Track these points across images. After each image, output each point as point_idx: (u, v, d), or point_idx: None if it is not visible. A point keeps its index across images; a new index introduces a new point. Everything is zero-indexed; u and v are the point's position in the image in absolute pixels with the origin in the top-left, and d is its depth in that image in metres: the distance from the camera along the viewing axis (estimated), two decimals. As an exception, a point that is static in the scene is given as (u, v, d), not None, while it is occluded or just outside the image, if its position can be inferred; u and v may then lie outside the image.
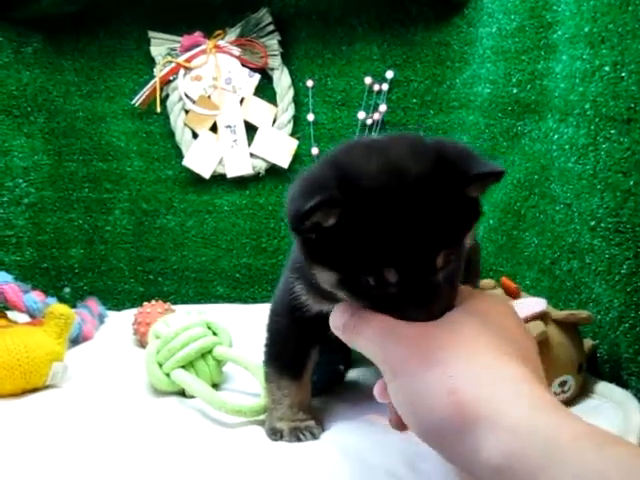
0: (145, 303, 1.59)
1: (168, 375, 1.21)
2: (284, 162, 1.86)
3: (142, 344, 1.51)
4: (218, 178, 1.91)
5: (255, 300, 1.93)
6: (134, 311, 1.59)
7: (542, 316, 1.10)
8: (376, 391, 0.91)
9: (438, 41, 1.78)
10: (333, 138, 1.89)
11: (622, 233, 1.07)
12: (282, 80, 1.84)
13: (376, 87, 1.83)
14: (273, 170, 1.89)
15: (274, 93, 1.87)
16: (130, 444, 1.01)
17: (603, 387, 1.11)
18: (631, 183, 1.04)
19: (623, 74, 1.05)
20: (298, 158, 1.89)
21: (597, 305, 1.15)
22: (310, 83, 1.86)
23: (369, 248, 0.76)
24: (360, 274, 0.78)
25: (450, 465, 0.72)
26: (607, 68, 1.08)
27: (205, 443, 1.02)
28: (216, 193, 1.92)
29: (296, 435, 1.03)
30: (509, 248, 1.52)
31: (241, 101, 1.86)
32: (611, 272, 1.10)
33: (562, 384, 1.09)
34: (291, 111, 1.86)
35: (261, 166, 1.86)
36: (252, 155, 1.87)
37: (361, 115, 1.83)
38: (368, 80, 1.82)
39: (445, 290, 0.79)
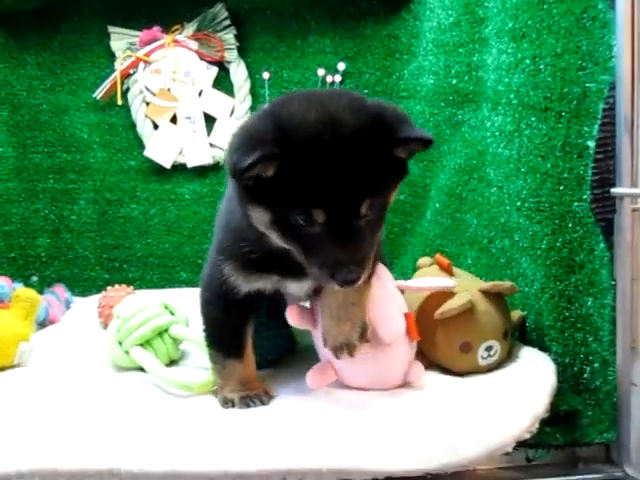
0: (109, 287, 1.66)
1: (127, 352, 1.29)
2: (242, 151, 1.94)
3: (106, 326, 1.58)
4: (179, 168, 1.98)
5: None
6: (99, 296, 1.65)
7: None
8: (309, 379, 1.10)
9: (387, 34, 1.87)
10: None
11: (542, 212, 1.17)
12: (239, 73, 1.92)
13: (329, 78, 1.91)
14: (232, 159, 1.97)
15: (232, 85, 1.95)
16: (93, 414, 1.08)
17: (527, 352, 1.21)
18: (549, 166, 1.14)
19: (541, 66, 1.15)
20: (256, 147, 1.97)
21: (525, 279, 1.25)
22: (266, 75, 1.93)
23: (301, 191, 0.86)
24: (291, 214, 0.88)
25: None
26: (527, 61, 1.18)
27: (163, 411, 1.10)
28: (177, 182, 2.00)
29: (246, 403, 1.11)
30: (453, 230, 1.61)
31: (200, 93, 1.93)
32: (534, 248, 1.20)
33: (488, 349, 1.18)
34: (248, 102, 1.94)
35: (220, 156, 1.93)
36: (211, 145, 1.94)
37: (315, 105, 1.92)
38: (321, 72, 1.91)
39: (367, 235, 0.90)
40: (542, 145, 1.15)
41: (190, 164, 1.94)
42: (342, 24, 1.90)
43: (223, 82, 1.95)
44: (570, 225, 1.10)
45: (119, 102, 1.91)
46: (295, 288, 1.10)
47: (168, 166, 1.95)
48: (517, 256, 1.30)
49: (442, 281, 1.21)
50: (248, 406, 1.11)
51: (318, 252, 0.89)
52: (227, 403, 1.13)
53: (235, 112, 1.93)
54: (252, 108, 1.95)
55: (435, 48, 1.62)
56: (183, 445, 0.95)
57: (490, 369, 1.18)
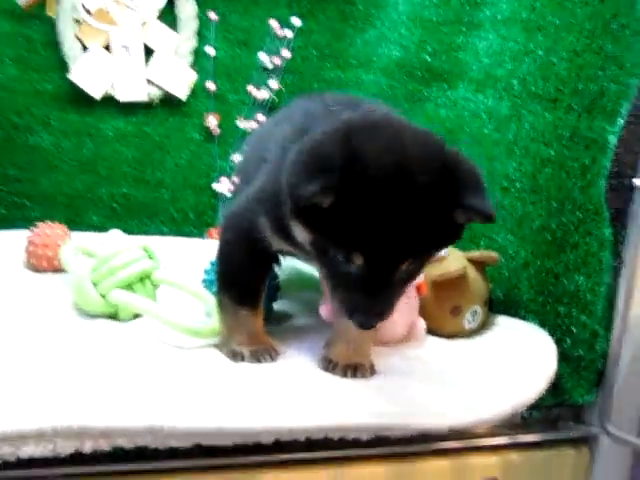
0: (40, 224, 1.46)
1: (104, 296, 1.16)
2: (181, 93, 1.81)
3: (37, 267, 1.40)
4: (105, 100, 1.79)
5: (132, 232, 1.86)
6: (26, 233, 1.45)
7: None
8: (323, 311, 1.13)
9: (344, -2, 1.87)
10: (230, 76, 1.89)
11: (536, 194, 1.27)
12: (187, 8, 1.79)
13: (280, 32, 1.86)
14: (168, 100, 1.83)
15: (177, 21, 1.80)
16: (98, 368, 0.97)
17: (503, 320, 1.32)
18: (552, 153, 1.24)
19: (554, 60, 1.25)
20: (193, 93, 1.85)
21: (503, 254, 1.34)
22: (213, 16, 1.82)
23: (348, 230, 0.83)
24: (331, 247, 0.86)
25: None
26: (540, 52, 1.27)
27: (164, 363, 1.02)
28: (100, 116, 1.81)
29: (256, 357, 1.07)
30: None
31: (143, 23, 1.76)
32: (521, 227, 1.30)
33: (473, 313, 1.27)
34: (193, 42, 1.81)
35: (156, 94, 1.79)
36: (148, 82, 1.79)
37: (262, 57, 1.85)
38: (274, 23, 1.85)
39: (398, 289, 0.89)
40: (547, 132, 1.25)
41: (122, 98, 1.77)
42: (299, -22, 1.86)
43: (169, 16, 1.80)
44: (569, 209, 1.21)
45: (50, 14, 1.68)
46: None
47: (98, 97, 1.76)
48: (490, 233, 1.39)
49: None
50: (259, 361, 1.07)
51: (346, 289, 0.88)
52: (236, 356, 1.08)
53: (179, 50, 1.79)
54: (197, 51, 1.83)
55: (410, 22, 1.65)
56: (219, 402, 0.91)
57: (473, 333, 1.28)
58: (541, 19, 1.26)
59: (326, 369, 1.07)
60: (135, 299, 1.15)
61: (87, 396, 0.87)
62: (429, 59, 1.61)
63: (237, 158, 1.89)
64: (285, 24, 1.86)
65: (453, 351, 1.18)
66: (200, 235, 1.90)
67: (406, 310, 1.19)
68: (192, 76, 1.82)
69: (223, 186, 1.89)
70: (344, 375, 1.05)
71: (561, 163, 1.22)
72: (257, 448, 0.93)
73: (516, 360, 1.13)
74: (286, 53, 1.86)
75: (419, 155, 0.83)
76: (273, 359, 1.09)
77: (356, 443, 0.96)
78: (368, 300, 0.86)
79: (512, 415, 1.04)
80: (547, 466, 1.14)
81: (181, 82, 1.80)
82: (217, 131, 1.87)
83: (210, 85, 1.85)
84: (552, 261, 1.25)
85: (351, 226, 0.82)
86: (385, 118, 0.93)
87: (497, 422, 1.03)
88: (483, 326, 1.31)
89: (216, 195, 1.92)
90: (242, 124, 1.87)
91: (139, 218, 1.88)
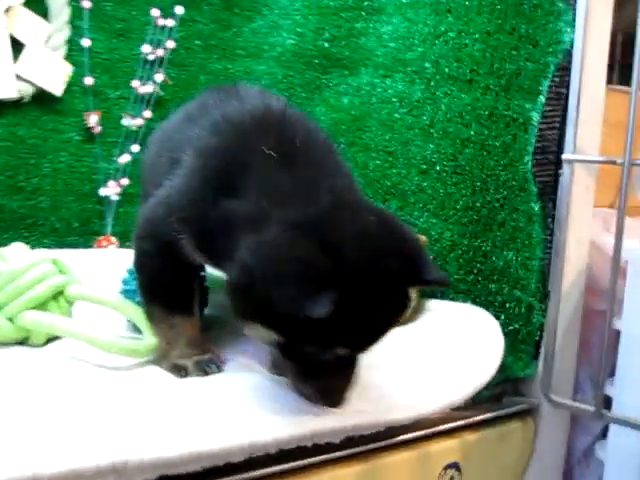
0: None
1: (11, 320, 1.00)
2: (56, 89, 1.63)
3: None
4: (-35, 99, 1.57)
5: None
6: None
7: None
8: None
9: (227, -15, 1.78)
10: (109, 69, 1.73)
11: (459, 175, 1.28)
12: (58, -6, 1.61)
13: (160, 22, 1.73)
14: (41, 97, 1.64)
15: (47, 9, 1.62)
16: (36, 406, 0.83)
17: (434, 304, 1.31)
18: (472, 133, 1.26)
19: (467, 41, 1.26)
20: (69, 89, 1.68)
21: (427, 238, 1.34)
22: (87, 4, 1.66)
23: (335, 330, 0.77)
24: (309, 346, 0.80)
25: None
26: (451, 34, 1.28)
27: (105, 390, 0.89)
28: (-40, 117, 1.59)
29: (202, 369, 0.98)
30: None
31: (7, 10, 1.56)
32: (445, 208, 1.31)
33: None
34: (66, 32, 1.64)
35: (27, 91, 1.60)
36: (17, 77, 1.59)
37: (145, 49, 1.72)
38: (155, 12, 1.72)
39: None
40: (465, 113, 1.26)
41: (-13, 96, 1.56)
42: (179, -36, 1.74)
43: (37, 4, 1.61)
44: (493, 187, 1.23)
45: None
46: None
47: (-43, 95, 1.53)
48: (408, 217, 1.39)
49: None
50: (205, 373, 0.97)
51: (317, 376, 0.84)
52: (180, 371, 0.97)
53: (50, 41, 1.61)
54: (71, 41, 1.65)
55: (305, 9, 1.61)
56: (181, 425, 0.80)
57: (407, 320, 1.26)
58: (451, 1, 1.27)
59: (278, 374, 1.00)
60: (56, 320, 1.00)
61: (27, 439, 0.73)
62: (327, 46, 1.58)
63: (123, 159, 1.74)
64: (166, 13, 1.74)
65: (400, 339, 1.15)
66: (87, 245, 1.73)
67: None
68: (67, 69, 1.65)
69: (111, 190, 1.74)
70: None
71: (482, 142, 1.24)
72: (226, 468, 0.84)
73: (465, 341, 1.13)
74: (170, 44, 1.74)
75: (389, 245, 0.82)
76: (220, 369, 0.99)
77: (325, 448, 0.90)
78: (340, 382, 0.86)
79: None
80: (499, 442, 1.15)
81: (55, 76, 1.62)
82: (98, 130, 1.71)
83: (88, 80, 1.68)
84: (479, 240, 1.26)
85: (338, 325, 0.77)
86: (345, 204, 0.86)
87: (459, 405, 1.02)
88: (416, 312, 1.29)
89: (102, 201, 1.76)
90: (128, 122, 1.72)
91: (15, 230, 1.67)
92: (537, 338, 1.19)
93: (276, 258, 0.78)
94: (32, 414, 0.78)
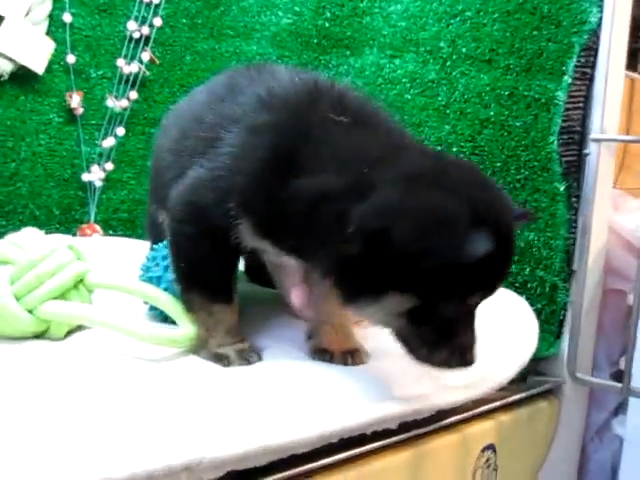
0: None
1: (32, 311, 0.93)
2: (38, 66, 1.53)
3: None
4: (-62, 77, 1.45)
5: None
6: None
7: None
8: (295, 297, 1.01)
9: (214, -39, 1.71)
10: (90, 47, 1.64)
11: (478, 155, 1.27)
12: (39, -35, 1.50)
13: (146, -2, 1.65)
14: (19, 75, 1.53)
15: (26, -21, 1.51)
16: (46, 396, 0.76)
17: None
18: (491, 113, 1.25)
19: (485, 20, 1.25)
20: (49, 66, 1.58)
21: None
22: (68, -23, 1.56)
23: (480, 273, 0.75)
24: (444, 301, 0.77)
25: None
26: (469, 13, 1.26)
27: (153, 382, 0.84)
28: None
29: (244, 358, 0.93)
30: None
31: (-16, -20, 1.45)
32: (462, 189, 1.30)
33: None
34: (48, 6, 1.53)
35: (6, 68, 1.49)
36: (-3, 53, 1.48)
37: (131, 26, 1.63)
38: (140, -13, 1.63)
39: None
40: (484, 94, 1.25)
41: (-37, 74, 1.44)
42: None
43: (16, -27, 1.50)
44: (513, 168, 1.23)
45: None
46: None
47: None
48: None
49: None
50: (248, 362, 0.93)
51: (449, 336, 0.80)
52: (222, 360, 0.92)
53: (31, 14, 1.50)
54: (52, 16, 1.55)
55: (304, -13, 1.56)
56: (245, 419, 0.76)
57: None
58: (469, -20, 1.25)
59: (323, 360, 0.96)
60: (87, 310, 0.93)
61: (92, 442, 0.67)
62: (327, 25, 1.54)
63: (107, 143, 1.65)
64: (152, -11, 1.66)
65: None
66: (69, 234, 1.63)
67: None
68: (50, 46, 1.54)
69: (94, 176, 1.64)
70: (345, 363, 0.96)
71: (502, 123, 1.24)
72: (284, 461, 0.80)
73: (499, 321, 1.11)
74: (157, 21, 1.65)
75: (499, 192, 0.85)
76: (260, 358, 0.95)
77: (376, 435, 0.87)
78: (470, 338, 0.82)
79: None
80: (529, 422, 1.15)
81: (37, 53, 1.52)
82: (80, 111, 1.62)
83: (70, 58, 1.58)
84: (499, 221, 1.26)
85: (480, 269, 0.74)
86: (463, 163, 0.93)
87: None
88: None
89: (85, 187, 1.67)
90: (112, 103, 1.63)
91: (-7, 217, 1.57)
92: (562, 317, 1.19)
93: (418, 212, 0.74)
94: (91, 414, 0.72)
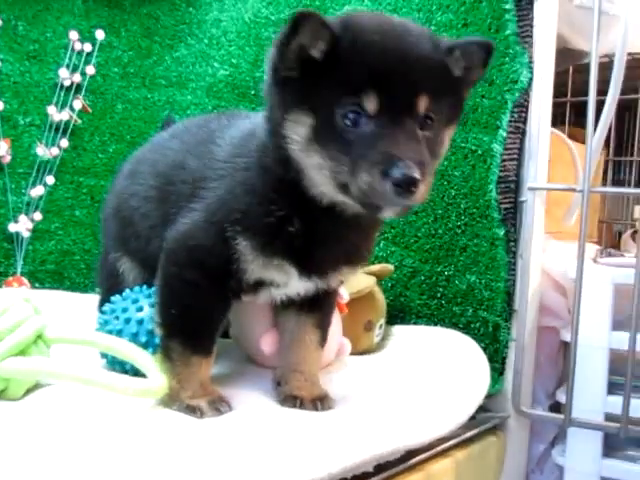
0: None
1: (-9, 369, 0.88)
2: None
3: None
4: None
5: None
6: None
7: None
8: (265, 343, 1.06)
9: (148, 13, 1.72)
10: (19, 94, 1.59)
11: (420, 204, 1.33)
12: (-32, 9, 1.45)
13: (78, 45, 1.63)
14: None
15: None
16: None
17: (397, 329, 1.35)
18: (432, 164, 1.32)
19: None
20: (-29, 113, 1.51)
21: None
22: (-3, 22, 1.52)
23: (353, 75, 0.78)
24: (337, 110, 0.79)
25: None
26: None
27: (119, 436, 0.81)
28: None
29: (216, 409, 0.93)
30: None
31: None
32: (405, 236, 1.36)
33: (380, 327, 1.29)
34: (-25, 53, 1.48)
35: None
36: None
37: (63, 73, 1.60)
38: (73, 35, 1.61)
39: (424, 146, 0.81)
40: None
41: None
42: (97, -14, 1.65)
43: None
44: (454, 215, 1.31)
45: None
46: (295, 287, 0.97)
47: None
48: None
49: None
50: (220, 412, 0.93)
51: (367, 152, 0.78)
52: (195, 411, 0.91)
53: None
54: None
55: (241, 39, 1.59)
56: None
57: (378, 346, 1.28)
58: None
59: (294, 406, 0.97)
60: (55, 366, 0.89)
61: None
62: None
63: (36, 192, 1.59)
64: (84, 37, 1.64)
65: (384, 367, 1.17)
66: (-7, 287, 1.55)
67: (337, 331, 1.15)
68: (-23, 93, 1.48)
69: (22, 226, 1.57)
70: (315, 409, 0.97)
71: (442, 173, 1.31)
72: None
73: (452, 362, 1.17)
74: (90, 70, 1.63)
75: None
76: (231, 407, 0.95)
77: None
78: (397, 147, 0.77)
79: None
80: (481, 458, 1.20)
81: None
82: (7, 160, 1.56)
83: (-3, 105, 1.53)
84: (442, 265, 1.33)
85: (355, 70, 0.78)
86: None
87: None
88: (383, 338, 1.32)
89: (10, 238, 1.59)
90: (42, 151, 1.58)
91: None
92: (504, 355, 1.26)
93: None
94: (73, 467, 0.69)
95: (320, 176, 0.84)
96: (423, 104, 0.81)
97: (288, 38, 0.78)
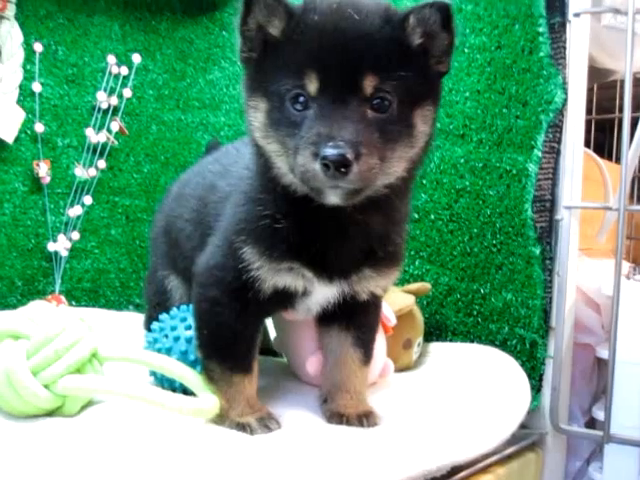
0: None
1: (48, 386, 0.90)
2: (9, 135, 1.50)
3: None
4: None
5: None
6: None
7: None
8: (311, 365, 1.07)
9: (182, 36, 1.76)
10: (58, 116, 1.63)
11: (455, 222, 1.36)
12: (13, 36, 1.50)
13: (115, 69, 1.67)
14: (-13, 145, 1.50)
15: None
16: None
17: (434, 347, 1.36)
18: (467, 183, 1.34)
19: (458, 98, 1.36)
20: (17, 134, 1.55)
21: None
22: (39, 47, 1.56)
23: (299, 57, 0.80)
24: (286, 94, 0.80)
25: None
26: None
27: (174, 452, 0.83)
28: None
29: (265, 425, 0.95)
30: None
31: (-43, 50, 1.42)
32: (441, 254, 1.38)
33: (419, 345, 1.30)
34: (20, 76, 1.52)
35: (-23, 138, 1.46)
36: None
37: (101, 96, 1.64)
38: (111, 59, 1.65)
39: (371, 123, 0.78)
40: (459, 165, 1.35)
41: None
42: (134, 12, 1.69)
43: (-11, 43, 1.49)
44: (489, 234, 1.32)
45: None
46: (321, 293, 0.97)
47: None
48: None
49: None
50: (269, 429, 0.95)
51: (305, 135, 0.78)
52: (244, 429, 0.94)
53: (2, 84, 1.48)
54: (22, 86, 1.53)
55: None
56: None
57: (417, 364, 1.30)
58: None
59: (340, 423, 0.99)
60: (112, 384, 0.91)
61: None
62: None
63: (74, 212, 1.63)
64: (122, 60, 1.68)
65: (425, 384, 1.19)
66: (31, 306, 1.58)
67: (381, 351, 1.16)
68: (20, 115, 1.52)
69: (60, 245, 1.61)
70: (361, 425, 0.99)
71: (477, 192, 1.33)
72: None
73: (493, 379, 1.18)
74: (127, 92, 1.67)
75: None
76: (279, 425, 0.97)
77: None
78: (327, 126, 0.77)
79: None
80: (520, 474, 1.21)
81: (8, 122, 1.49)
82: (47, 180, 1.59)
83: (38, 127, 1.57)
84: (477, 283, 1.34)
85: (301, 53, 0.80)
86: None
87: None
88: (420, 355, 1.34)
89: (48, 257, 1.62)
90: (80, 172, 1.62)
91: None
92: (542, 372, 1.27)
93: None
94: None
95: (281, 163, 0.84)
96: (370, 83, 0.80)
97: (244, 17, 0.81)
